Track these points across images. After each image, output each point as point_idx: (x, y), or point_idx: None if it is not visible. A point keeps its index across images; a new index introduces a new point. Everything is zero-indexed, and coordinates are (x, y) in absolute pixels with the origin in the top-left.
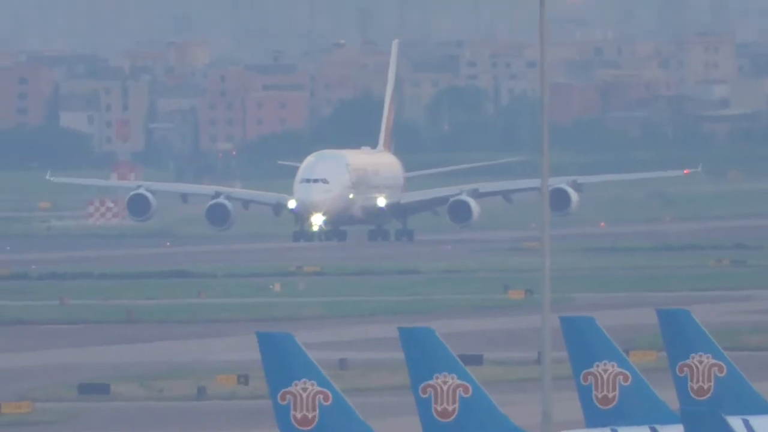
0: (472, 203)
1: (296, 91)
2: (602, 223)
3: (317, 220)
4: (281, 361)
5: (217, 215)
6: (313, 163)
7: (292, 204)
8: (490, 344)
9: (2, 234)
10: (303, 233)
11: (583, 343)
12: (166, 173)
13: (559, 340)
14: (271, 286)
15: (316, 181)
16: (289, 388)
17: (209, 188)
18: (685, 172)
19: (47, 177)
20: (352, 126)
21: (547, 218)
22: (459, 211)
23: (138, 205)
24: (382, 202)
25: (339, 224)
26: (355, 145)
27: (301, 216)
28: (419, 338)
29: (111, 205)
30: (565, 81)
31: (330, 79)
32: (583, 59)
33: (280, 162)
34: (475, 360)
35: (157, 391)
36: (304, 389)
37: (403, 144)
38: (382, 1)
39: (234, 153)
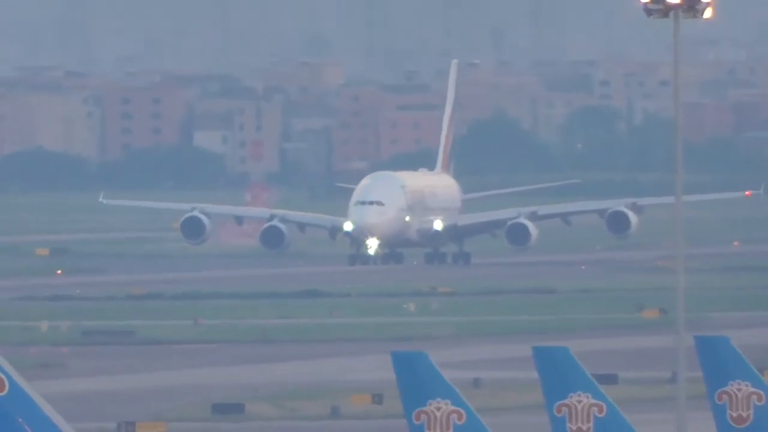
0: (531, 226)
1: (430, 110)
2: (736, 243)
3: (373, 243)
4: (415, 381)
5: (272, 238)
6: (368, 185)
7: (347, 226)
8: (625, 363)
9: (136, 254)
10: (359, 256)
11: (716, 362)
12: (299, 193)
13: (693, 360)
14: (405, 306)
15: (371, 203)
16: (424, 408)
17: (264, 211)
18: (747, 194)
19: (100, 199)
20: (486, 146)
21: (681, 236)
22: (517, 234)
23: (192, 228)
24: (438, 224)
25: (395, 247)
26: (490, 165)
27: (356, 239)
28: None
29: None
30: (698, 101)
31: (464, 99)
32: (716, 79)
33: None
34: (610, 379)
35: (291, 411)
36: (438, 408)
37: (537, 163)
38: (516, 20)
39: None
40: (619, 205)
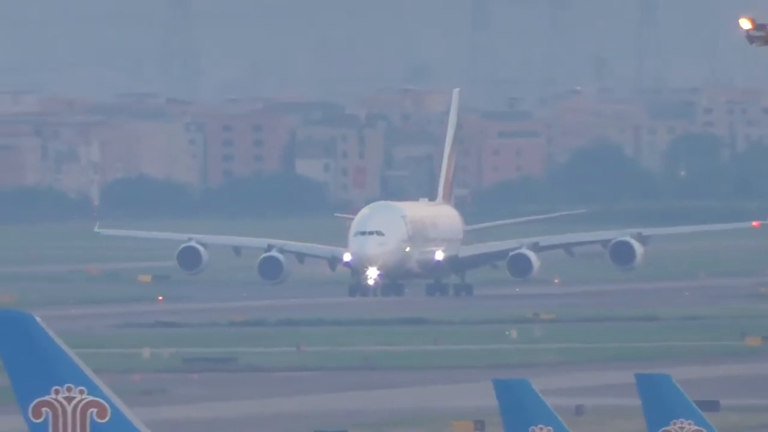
0: (533, 257)
1: (532, 138)
2: None
3: (373, 274)
4: (517, 408)
5: (270, 268)
6: (368, 215)
7: (347, 257)
8: (727, 391)
9: (235, 282)
10: (359, 287)
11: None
12: None
13: None
14: (507, 333)
15: (371, 233)
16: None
17: (262, 241)
18: (754, 224)
19: (95, 229)
20: (588, 173)
21: None
22: (519, 265)
23: (189, 259)
24: (439, 255)
25: (396, 278)
26: (592, 192)
27: (356, 269)
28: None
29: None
30: None
31: (566, 126)
32: None
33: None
34: (712, 406)
35: None
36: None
37: (639, 190)
38: (618, 47)
39: (469, 200)
40: (624, 235)
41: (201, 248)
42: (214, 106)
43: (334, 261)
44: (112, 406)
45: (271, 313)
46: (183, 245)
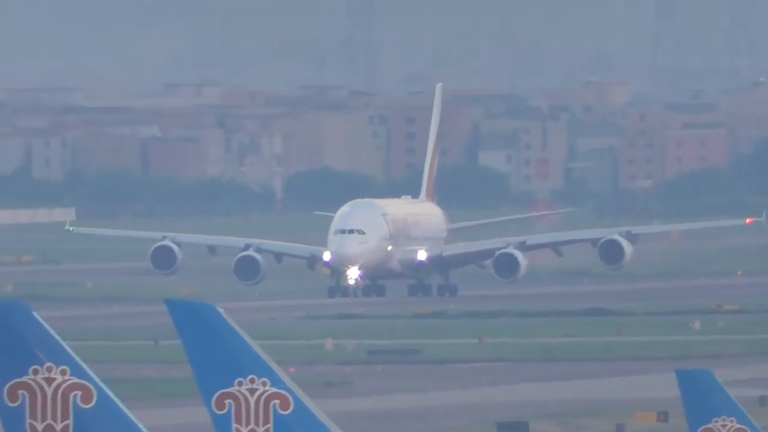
0: (520, 256)
1: (716, 129)
2: None
3: (353, 274)
4: (700, 398)
5: (247, 269)
6: (347, 213)
7: (326, 256)
8: None
9: None
10: (339, 288)
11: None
12: (584, 211)
13: None
14: (690, 324)
15: (351, 231)
16: (708, 425)
17: (238, 240)
18: (747, 221)
19: (66, 227)
20: None
21: None
22: (506, 265)
23: (162, 258)
24: (422, 254)
25: (377, 278)
26: None
27: (336, 269)
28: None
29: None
30: None
31: (750, 118)
32: None
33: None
34: None
35: (576, 429)
36: (724, 426)
37: None
38: None
39: (653, 191)
40: (613, 233)
41: (175, 247)
42: (397, 98)
43: (314, 260)
44: (295, 398)
45: (454, 306)
46: (156, 244)
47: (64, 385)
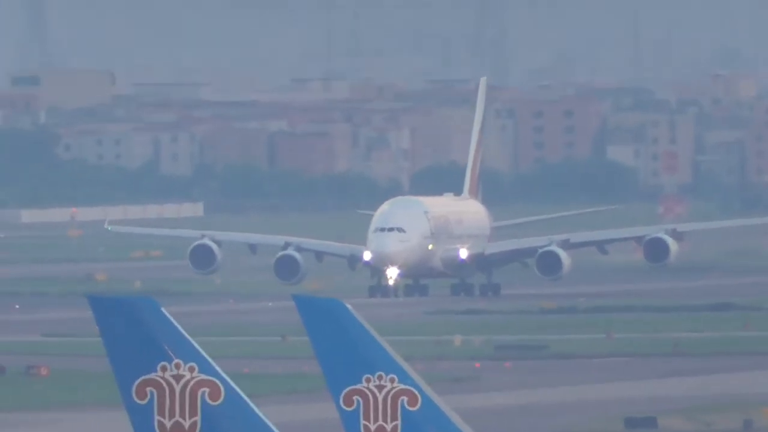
0: (563, 254)
1: None
2: None
3: (393, 273)
4: None
5: (286, 268)
6: (388, 211)
7: (366, 256)
8: None
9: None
10: (379, 288)
11: None
12: (712, 205)
13: None
14: None
15: (391, 230)
16: None
17: (279, 238)
18: None
19: (105, 226)
20: None
21: None
22: (548, 264)
23: (201, 257)
24: (464, 253)
25: (418, 277)
26: None
27: (376, 269)
28: None
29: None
30: None
31: None
32: None
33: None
34: None
35: (704, 424)
36: None
37: None
38: None
39: None
40: (658, 231)
41: (214, 246)
42: (525, 92)
43: (354, 260)
44: (423, 394)
45: (582, 301)
46: (195, 243)
47: (192, 382)
